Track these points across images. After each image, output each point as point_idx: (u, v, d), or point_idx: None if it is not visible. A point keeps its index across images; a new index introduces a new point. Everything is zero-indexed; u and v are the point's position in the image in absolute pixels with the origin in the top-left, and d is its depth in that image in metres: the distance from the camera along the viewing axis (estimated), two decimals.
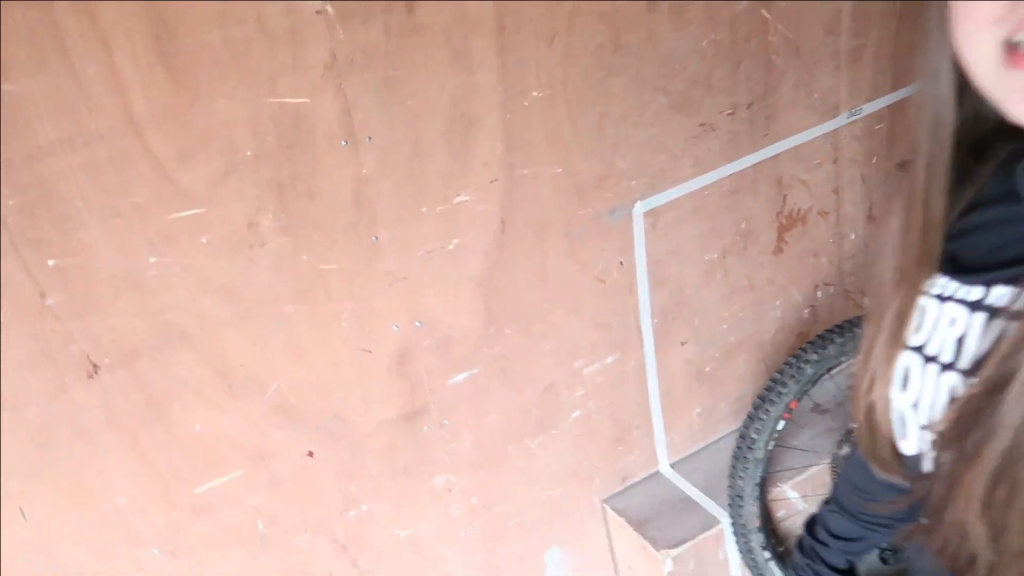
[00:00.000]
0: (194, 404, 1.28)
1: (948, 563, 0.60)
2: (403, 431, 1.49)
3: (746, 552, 1.71)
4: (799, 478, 1.80)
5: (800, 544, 0.98)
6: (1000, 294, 0.58)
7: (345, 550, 1.53)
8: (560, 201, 1.46)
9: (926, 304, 0.64)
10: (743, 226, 1.70)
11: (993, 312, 0.58)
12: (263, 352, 1.30)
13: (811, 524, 0.98)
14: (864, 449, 0.72)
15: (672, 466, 1.87)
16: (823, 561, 0.94)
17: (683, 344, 1.75)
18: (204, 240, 1.19)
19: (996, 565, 0.56)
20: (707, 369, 1.82)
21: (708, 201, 1.63)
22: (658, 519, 1.73)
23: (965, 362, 0.59)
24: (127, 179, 1.10)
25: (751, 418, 1.69)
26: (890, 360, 0.66)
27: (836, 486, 0.96)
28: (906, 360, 0.65)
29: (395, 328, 1.41)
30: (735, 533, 1.71)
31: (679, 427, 1.84)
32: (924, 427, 0.63)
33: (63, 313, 1.13)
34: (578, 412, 1.69)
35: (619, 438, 1.77)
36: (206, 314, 1.23)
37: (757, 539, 1.68)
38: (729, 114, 1.55)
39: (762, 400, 1.68)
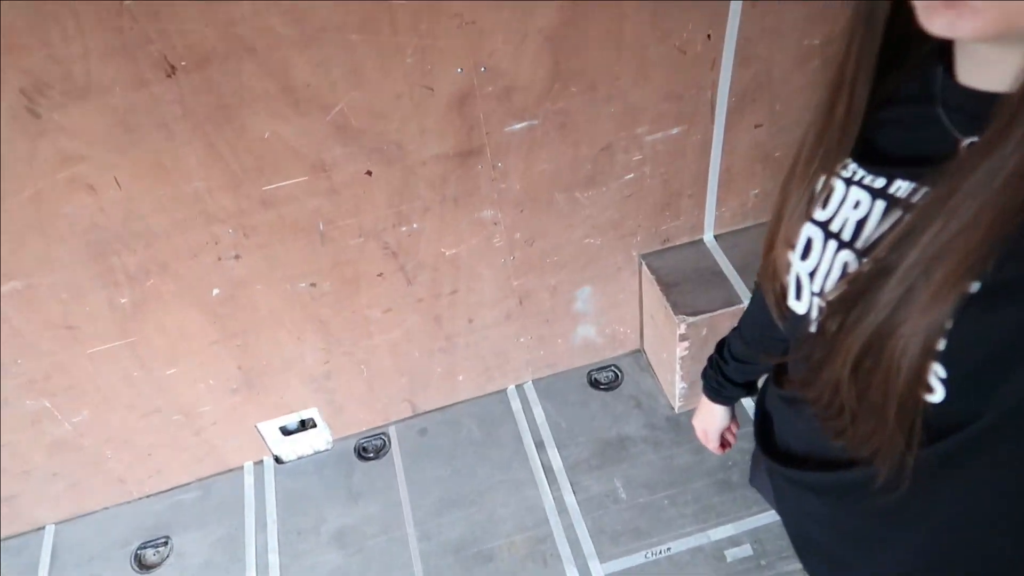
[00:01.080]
0: (262, 114, 1.37)
1: (821, 411, 0.68)
2: (456, 165, 1.57)
3: None
4: None
5: (710, 359, 1.10)
6: (901, 186, 0.61)
7: (395, 256, 1.71)
8: None
9: (835, 184, 0.67)
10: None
11: (893, 201, 0.61)
12: (327, 75, 1.35)
13: (721, 344, 1.09)
14: (765, 295, 0.79)
15: (716, 238, 1.92)
16: (724, 375, 1.07)
17: (756, 127, 1.70)
18: None
19: (857, 416, 0.64)
20: (776, 154, 1.78)
21: None
22: (686, 285, 1.83)
23: (861, 243, 0.63)
24: None
25: None
26: (796, 227, 0.71)
27: (743, 316, 1.04)
28: (809, 232, 0.69)
29: (459, 71, 1.42)
30: None
31: (731, 203, 1.86)
32: (816, 294, 0.68)
33: (140, 13, 1.20)
34: (632, 175, 1.72)
35: (668, 204, 1.81)
36: (273, 32, 1.27)
37: None
38: None
39: None
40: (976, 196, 0.50)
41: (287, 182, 1.49)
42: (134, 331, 1.65)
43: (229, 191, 1.47)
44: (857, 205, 0.65)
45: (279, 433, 2.03)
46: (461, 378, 2.08)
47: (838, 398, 0.65)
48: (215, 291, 1.63)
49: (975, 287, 0.53)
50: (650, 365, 2.16)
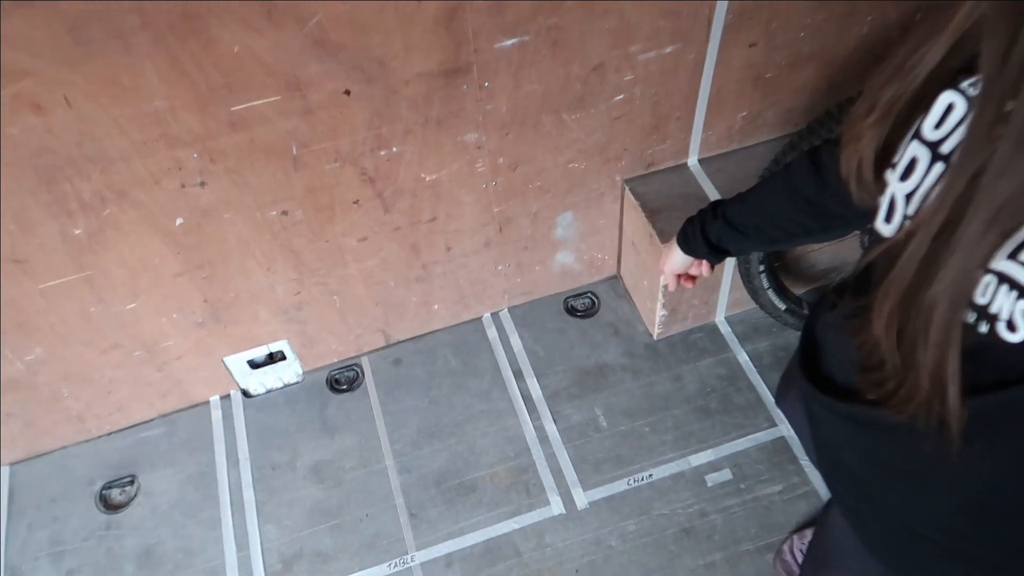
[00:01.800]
0: (232, 25, 1.24)
1: (863, 358, 0.67)
2: (440, 84, 1.47)
3: (743, 259, 1.79)
4: None
5: (699, 211, 1.11)
6: None
7: (372, 183, 1.60)
8: None
9: (955, 102, 0.60)
10: None
11: None
12: None
13: (717, 203, 1.09)
14: (846, 171, 0.73)
15: (700, 162, 1.87)
16: (703, 231, 1.09)
17: (751, 46, 1.63)
18: None
19: (897, 368, 0.63)
20: (768, 75, 1.71)
21: None
22: (671, 211, 1.79)
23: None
24: None
25: (795, 142, 1.65)
26: (897, 143, 0.66)
27: (755, 186, 1.05)
28: (916, 151, 0.63)
29: None
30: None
31: (719, 127, 1.80)
32: (908, 217, 0.64)
33: None
34: (622, 96, 1.64)
35: (656, 126, 1.74)
36: None
37: (757, 259, 1.75)
38: None
39: (813, 127, 1.62)
40: None
41: (258, 102, 1.37)
42: (90, 264, 1.52)
43: (194, 111, 1.34)
44: (974, 126, 0.57)
45: (247, 366, 1.94)
46: (436, 307, 2.02)
47: (879, 346, 0.63)
48: (179, 220, 1.51)
49: None
50: (627, 291, 2.13)
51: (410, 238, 1.78)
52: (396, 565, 1.70)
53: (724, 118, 1.79)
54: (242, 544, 1.76)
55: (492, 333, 2.08)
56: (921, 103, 0.63)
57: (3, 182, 1.32)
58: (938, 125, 0.61)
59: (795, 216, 0.97)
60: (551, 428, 1.89)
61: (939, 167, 0.61)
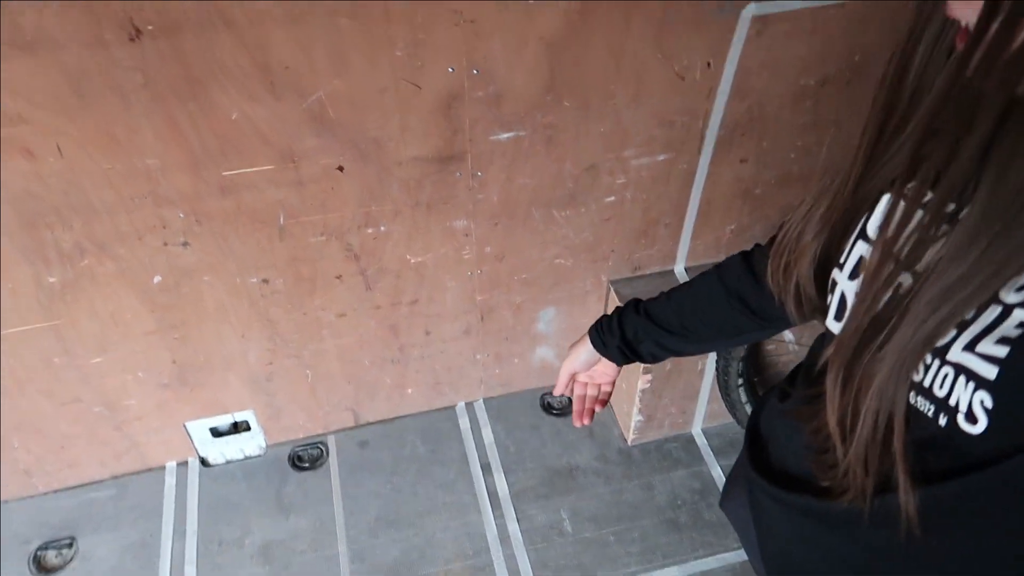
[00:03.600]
0: (233, 92, 1.26)
1: (812, 439, 0.67)
2: (434, 170, 1.48)
3: (722, 370, 1.78)
4: None
5: (620, 306, 1.04)
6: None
7: (357, 259, 1.60)
8: None
9: (895, 203, 0.62)
10: (856, 59, 1.52)
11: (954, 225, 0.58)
12: (308, 58, 1.25)
13: (636, 300, 1.03)
14: (784, 299, 0.77)
15: (687, 270, 1.87)
16: (620, 322, 1.01)
17: (742, 162, 1.66)
18: None
19: (846, 451, 0.63)
20: (757, 191, 1.74)
21: (829, 22, 1.44)
22: None
23: (921, 265, 0.58)
24: None
25: None
26: (843, 244, 0.67)
27: (680, 286, 1.01)
28: (861, 251, 0.65)
29: (450, 70, 1.33)
30: (718, 353, 1.76)
31: (707, 236, 1.82)
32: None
33: None
34: (613, 198, 1.65)
35: (645, 231, 1.76)
36: (255, 6, 1.16)
37: (736, 365, 1.74)
38: None
39: None
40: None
41: (250, 169, 1.38)
42: (61, 313, 1.49)
43: (186, 172, 1.35)
44: (919, 227, 0.59)
45: (209, 434, 1.89)
46: (410, 391, 1.98)
47: (827, 427, 0.63)
48: (157, 278, 1.50)
49: None
50: None
51: (390, 318, 1.76)
52: None
53: (712, 228, 1.80)
54: None
55: (464, 423, 2.04)
56: (862, 207, 0.66)
57: None
58: (882, 226, 0.64)
59: (728, 316, 0.94)
60: (514, 528, 1.82)
61: (890, 266, 0.62)
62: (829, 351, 0.66)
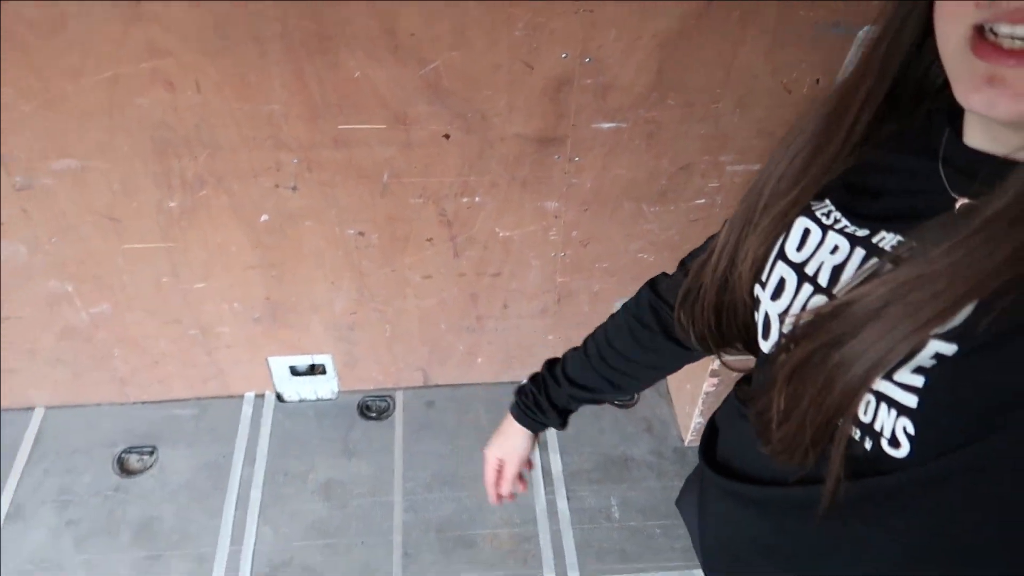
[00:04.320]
0: (359, 52, 1.34)
1: (755, 419, 0.67)
2: (534, 149, 1.53)
3: None
4: None
5: (532, 377, 1.01)
6: (886, 238, 0.59)
7: (449, 225, 1.67)
8: None
9: (810, 228, 0.65)
10: None
11: (875, 252, 0.59)
12: (433, 29, 1.31)
13: (552, 363, 1.00)
14: (688, 319, 0.80)
15: None
16: (548, 395, 0.98)
17: None
18: None
19: (783, 429, 0.63)
20: None
21: None
22: None
23: (838, 288, 0.61)
24: None
25: None
26: (764, 263, 0.69)
27: (595, 335, 0.98)
28: (782, 271, 0.67)
29: (564, 56, 1.38)
30: None
31: None
32: (785, 336, 0.65)
33: None
34: (703, 200, 1.68)
35: None
36: None
37: None
38: None
39: None
40: (963, 249, 0.49)
41: (364, 126, 1.46)
42: (175, 237, 1.62)
43: (305, 121, 1.44)
44: (835, 250, 0.62)
45: (288, 371, 2.00)
46: (480, 361, 2.05)
47: (769, 411, 0.63)
48: (264, 217, 1.60)
49: (951, 350, 0.51)
50: (668, 392, 2.12)
51: (472, 287, 1.83)
52: None
53: None
54: (237, 539, 1.78)
55: None
56: (779, 227, 0.67)
57: (121, 146, 1.43)
58: (799, 248, 0.65)
59: (648, 358, 0.94)
60: (563, 505, 1.87)
61: (808, 288, 0.64)
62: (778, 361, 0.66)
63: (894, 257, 0.55)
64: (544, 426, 1.01)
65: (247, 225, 1.61)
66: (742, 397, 0.80)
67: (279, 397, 2.07)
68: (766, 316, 0.69)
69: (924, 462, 0.56)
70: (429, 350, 2.00)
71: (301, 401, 2.07)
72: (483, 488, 1.83)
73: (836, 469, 0.60)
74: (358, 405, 2.07)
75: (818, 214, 0.65)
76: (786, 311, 0.66)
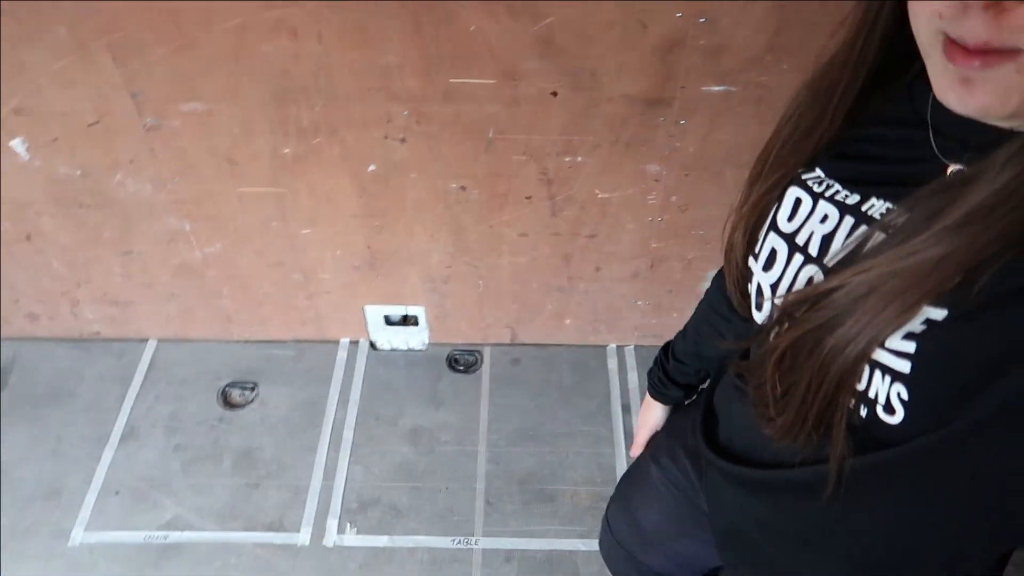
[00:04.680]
0: (476, 6, 1.36)
1: (754, 396, 0.68)
2: (639, 111, 1.54)
3: None
4: None
5: (655, 358, 1.12)
6: (875, 205, 0.60)
7: (549, 184, 1.69)
8: None
9: (803, 196, 0.66)
10: None
11: (864, 219, 0.60)
12: None
13: (666, 345, 1.11)
14: (729, 289, 0.79)
15: None
16: (666, 374, 1.09)
17: None
18: None
19: (783, 409, 0.63)
20: None
21: None
22: None
23: (828, 258, 0.62)
24: None
25: None
26: (758, 234, 0.70)
27: (691, 317, 1.06)
28: (774, 242, 0.68)
29: (678, 15, 1.37)
30: None
31: None
32: (777, 307, 0.66)
33: None
34: None
35: None
36: None
37: None
38: None
39: None
40: (954, 223, 0.50)
41: (474, 80, 1.49)
42: (286, 183, 1.69)
43: (418, 74, 1.48)
44: (825, 219, 0.63)
45: (382, 320, 2.07)
46: (568, 322, 2.08)
47: (766, 388, 0.64)
48: (371, 167, 1.65)
49: (941, 314, 0.52)
50: None
51: (565, 247, 1.85)
52: (459, 542, 1.76)
53: None
54: (329, 475, 1.87)
55: (612, 364, 2.11)
56: (772, 198, 0.69)
57: (244, 91, 1.50)
58: (790, 218, 0.66)
59: (730, 334, 0.96)
60: None
61: (799, 258, 0.65)
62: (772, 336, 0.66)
63: (884, 225, 0.56)
64: (673, 398, 1.12)
65: (354, 175, 1.67)
66: (738, 371, 0.80)
67: (372, 345, 2.14)
68: (759, 287, 0.70)
69: (918, 428, 0.57)
70: (519, 308, 2.03)
71: (393, 350, 2.14)
72: (565, 445, 1.87)
73: (840, 447, 0.61)
74: (447, 358, 2.13)
75: (809, 183, 0.66)
76: (778, 282, 0.67)
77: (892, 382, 0.56)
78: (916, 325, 0.53)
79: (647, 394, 1.16)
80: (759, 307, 0.71)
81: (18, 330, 2.11)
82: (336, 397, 2.03)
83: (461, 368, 2.11)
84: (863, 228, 0.59)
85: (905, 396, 0.56)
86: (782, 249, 0.67)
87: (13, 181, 1.70)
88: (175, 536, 1.78)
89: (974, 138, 0.54)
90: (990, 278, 0.49)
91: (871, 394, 0.58)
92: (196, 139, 1.60)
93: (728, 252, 0.76)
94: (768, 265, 0.68)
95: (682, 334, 1.08)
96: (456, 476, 1.88)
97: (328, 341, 2.15)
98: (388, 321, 2.08)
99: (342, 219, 1.77)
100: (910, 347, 0.54)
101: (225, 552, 1.76)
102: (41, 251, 1.88)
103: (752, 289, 0.72)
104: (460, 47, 1.43)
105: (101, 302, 2.02)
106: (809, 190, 0.66)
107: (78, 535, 1.78)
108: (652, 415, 1.15)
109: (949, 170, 0.56)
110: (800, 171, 0.67)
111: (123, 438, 1.95)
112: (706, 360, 1.05)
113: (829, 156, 0.66)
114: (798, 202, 0.66)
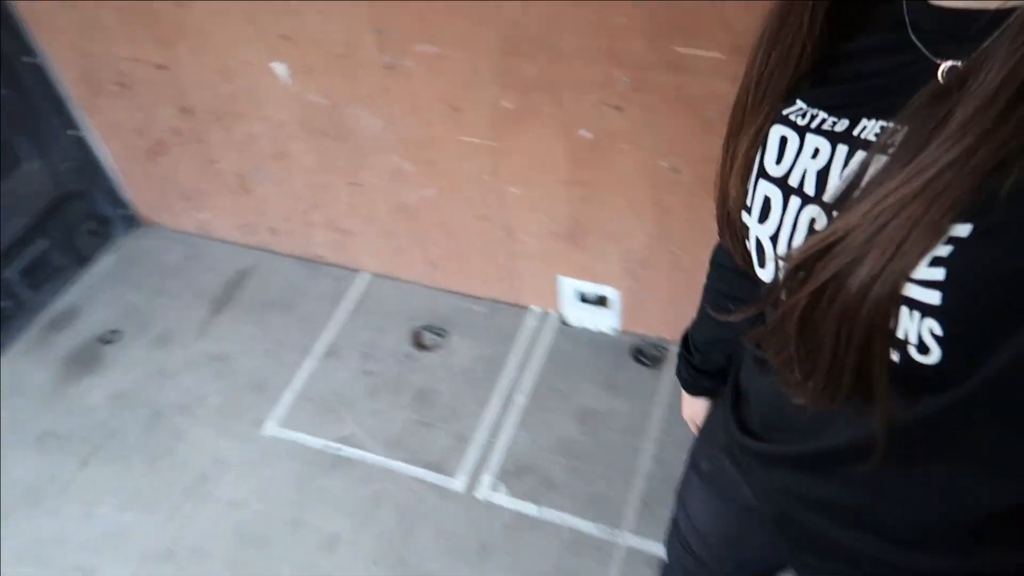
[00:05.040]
0: None
1: (778, 364, 0.61)
2: None
3: None
4: None
5: (678, 355, 1.05)
6: (867, 126, 0.55)
7: None
8: None
9: (788, 134, 0.60)
10: None
11: (859, 144, 0.55)
12: None
13: (684, 339, 1.03)
14: (735, 257, 0.72)
15: None
16: (693, 367, 1.01)
17: None
18: None
19: (813, 370, 0.56)
20: None
21: None
22: None
23: (829, 195, 0.56)
24: None
25: None
26: (746, 185, 0.63)
27: (701, 299, 0.97)
28: (765, 190, 0.61)
29: None
30: None
31: None
32: (782, 258, 0.60)
33: None
34: None
35: None
36: None
37: None
38: None
39: None
40: (959, 126, 0.45)
41: (703, 52, 1.40)
42: (501, 137, 1.71)
43: (644, 38, 1.41)
44: (816, 154, 0.57)
45: (575, 295, 2.04)
46: None
47: (789, 350, 0.57)
48: (584, 132, 1.62)
49: (966, 230, 0.46)
50: None
51: None
52: (603, 531, 1.69)
53: None
54: (494, 432, 1.89)
55: None
56: (755, 143, 0.62)
57: (476, 38, 1.53)
58: (778, 160, 0.60)
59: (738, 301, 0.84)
60: None
61: (796, 201, 0.58)
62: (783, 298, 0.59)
63: (881, 146, 0.51)
64: (708, 389, 1.05)
65: (567, 138, 1.65)
66: (755, 340, 0.71)
67: (563, 320, 2.12)
68: (757, 242, 0.63)
69: (958, 367, 0.50)
70: None
71: (581, 328, 2.11)
72: None
73: (885, 400, 0.55)
74: (633, 347, 2.05)
75: (792, 117, 0.60)
76: (777, 232, 0.61)
77: (923, 317, 0.50)
78: (941, 248, 0.47)
79: (683, 393, 1.10)
80: (762, 264, 0.64)
81: (260, 241, 2.36)
82: (518, 361, 2.04)
83: (646, 361, 2.02)
84: (860, 154, 0.54)
85: (939, 331, 0.49)
86: (776, 195, 0.60)
87: (274, 102, 1.89)
88: (348, 451, 1.90)
89: (960, 29, 0.49)
90: (1017, 175, 0.44)
91: (900, 334, 0.52)
92: (426, 82, 1.66)
93: (722, 224, 0.71)
94: (763, 216, 0.62)
95: (696, 323, 1.02)
96: (616, 466, 1.81)
97: (520, 306, 2.16)
98: (582, 298, 2.05)
99: (549, 183, 1.76)
100: (939, 274, 0.48)
101: (385, 477, 1.85)
102: (287, 171, 2.07)
103: (752, 246, 0.65)
104: (692, 14, 1.35)
105: (328, 228, 2.19)
106: (793, 125, 0.60)
107: (270, 427, 1.96)
108: (696, 411, 1.10)
109: (941, 69, 0.51)
110: (780, 107, 0.61)
111: (326, 354, 2.12)
112: (728, 343, 0.98)
113: (807, 83, 0.60)
114: (783, 141, 0.60)
